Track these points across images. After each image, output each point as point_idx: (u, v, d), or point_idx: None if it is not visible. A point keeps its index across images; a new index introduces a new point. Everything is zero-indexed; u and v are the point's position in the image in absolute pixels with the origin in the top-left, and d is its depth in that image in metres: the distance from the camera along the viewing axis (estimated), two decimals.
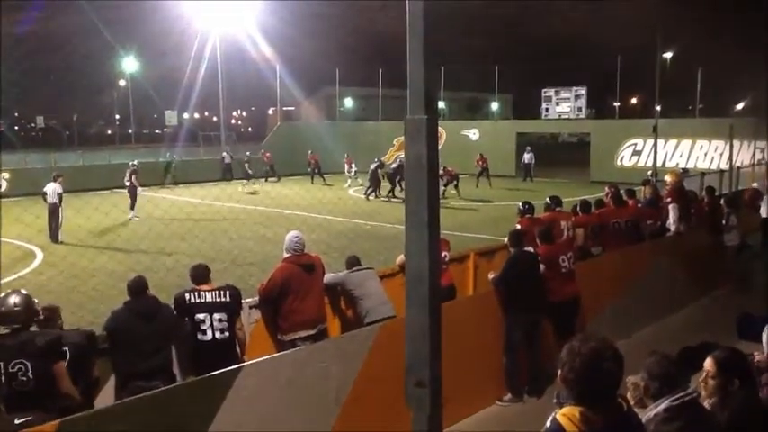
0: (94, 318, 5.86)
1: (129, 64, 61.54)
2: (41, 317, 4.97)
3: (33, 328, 4.80)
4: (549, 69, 51.40)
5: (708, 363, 3.61)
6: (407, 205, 3.98)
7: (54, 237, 16.78)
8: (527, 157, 32.76)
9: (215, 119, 75.42)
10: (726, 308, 8.97)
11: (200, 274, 5.95)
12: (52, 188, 17.15)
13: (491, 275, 7.44)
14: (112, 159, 35.20)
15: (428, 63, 4.03)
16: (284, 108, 48.32)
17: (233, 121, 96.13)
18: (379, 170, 26.48)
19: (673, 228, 10.47)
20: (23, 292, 4.78)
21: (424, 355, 3.99)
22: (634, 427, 2.81)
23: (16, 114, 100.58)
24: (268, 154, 33.76)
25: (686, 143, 29.81)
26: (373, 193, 26.14)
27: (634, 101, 71.93)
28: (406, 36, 4.11)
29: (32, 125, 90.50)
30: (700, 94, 32.99)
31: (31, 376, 4.46)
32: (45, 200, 17.09)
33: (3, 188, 26.62)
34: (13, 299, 4.61)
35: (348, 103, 61.84)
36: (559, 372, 2.71)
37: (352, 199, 26.40)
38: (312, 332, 6.39)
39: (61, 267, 13.75)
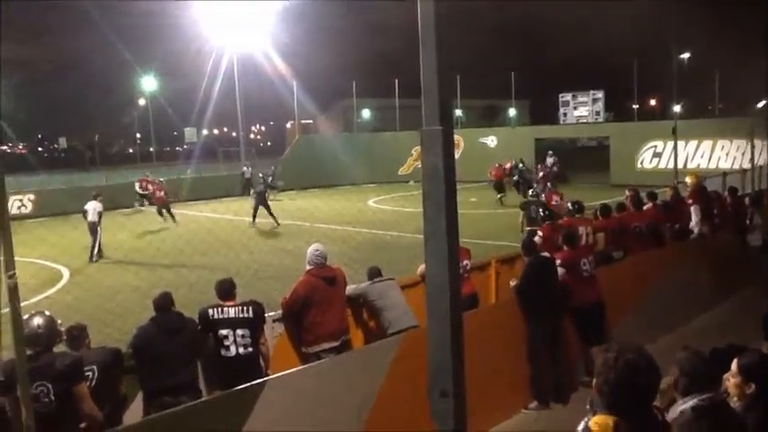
0: (121, 335, 5.94)
1: (149, 83, 62.21)
2: (65, 338, 5.04)
3: (60, 348, 4.87)
4: (565, 74, 51.34)
5: (733, 365, 3.59)
6: (426, 215, 4.01)
7: (91, 255, 16.88)
8: (550, 161, 32.63)
9: (234, 134, 76.07)
10: (752, 309, 8.84)
11: (225, 290, 6.00)
12: (92, 206, 17.32)
13: (512, 282, 7.42)
14: (134, 177, 35.58)
15: (442, 73, 4.06)
16: (302, 121, 48.56)
17: (252, 136, 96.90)
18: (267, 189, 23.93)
19: (695, 229, 10.39)
20: (47, 313, 4.84)
21: (447, 365, 4.00)
22: None
23: (39, 136, 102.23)
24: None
25: (707, 144, 29.55)
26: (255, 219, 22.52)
27: (653, 103, 71.45)
28: (419, 47, 4.14)
29: (55, 146, 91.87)
30: (719, 93, 32.71)
31: (53, 398, 4.50)
32: (85, 218, 17.27)
33: (28, 209, 26.98)
34: (37, 320, 4.66)
35: (365, 114, 62.01)
36: (594, 381, 2.69)
37: (372, 210, 26.43)
38: (336, 344, 6.42)
39: (87, 286, 13.92)
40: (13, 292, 3.71)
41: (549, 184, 25.08)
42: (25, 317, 4.51)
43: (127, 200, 28.25)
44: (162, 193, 23.28)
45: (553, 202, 14.18)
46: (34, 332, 4.59)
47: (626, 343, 2.77)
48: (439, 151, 3.86)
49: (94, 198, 17.54)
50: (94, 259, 16.82)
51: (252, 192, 22.55)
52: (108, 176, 36.58)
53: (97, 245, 17.05)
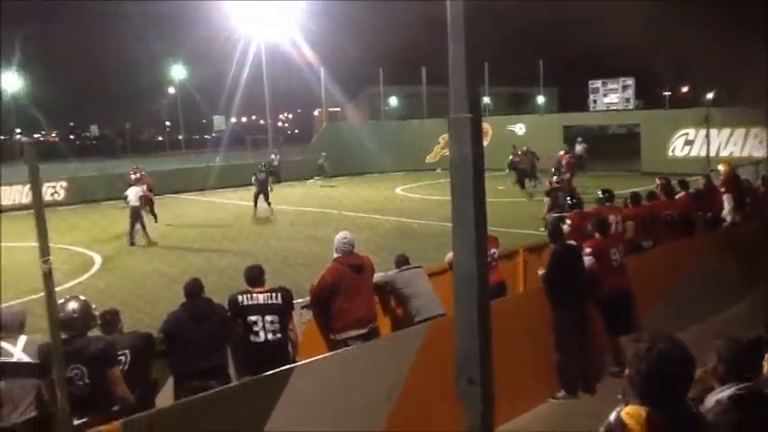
0: (152, 320, 6.03)
1: (178, 71, 62.75)
2: (98, 322, 5.14)
3: (94, 333, 4.97)
4: (594, 61, 50.63)
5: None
6: (454, 204, 4.01)
7: (131, 239, 17.07)
8: (579, 148, 32.31)
9: (261, 122, 76.49)
10: None
11: (254, 276, 6.06)
12: (134, 191, 17.58)
13: (540, 271, 7.39)
14: (164, 166, 35.97)
15: (469, 61, 4.04)
16: (329, 109, 48.63)
17: (279, 124, 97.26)
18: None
19: (728, 218, 10.25)
20: (81, 298, 4.94)
21: (474, 352, 4.01)
22: (702, 429, 2.72)
23: (71, 124, 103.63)
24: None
25: (740, 131, 29.02)
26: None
27: (684, 90, 70.38)
28: (447, 36, 4.12)
29: (87, 134, 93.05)
30: (750, 80, 32.02)
31: (87, 381, 4.60)
32: (126, 203, 17.54)
33: (60, 197, 27.40)
34: (72, 305, 4.76)
35: (393, 101, 61.97)
36: (626, 371, 2.67)
37: (399, 197, 26.43)
38: (363, 331, 6.46)
39: (119, 272, 14.16)
40: (48, 277, 3.80)
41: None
42: (60, 301, 4.61)
43: (158, 187, 28.49)
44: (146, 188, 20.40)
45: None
46: (69, 316, 4.69)
47: (658, 333, 2.73)
48: (467, 139, 3.85)
49: (136, 183, 17.78)
50: (138, 242, 17.05)
51: (254, 179, 22.38)
52: (138, 164, 36.94)
53: (138, 228, 17.24)
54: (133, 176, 21.54)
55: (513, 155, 28.06)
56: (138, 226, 17.21)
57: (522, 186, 24.96)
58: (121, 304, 6.13)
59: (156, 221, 19.09)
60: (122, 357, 4.94)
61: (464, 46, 4.01)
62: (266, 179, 22.52)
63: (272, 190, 22.83)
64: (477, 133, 3.93)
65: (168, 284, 11.36)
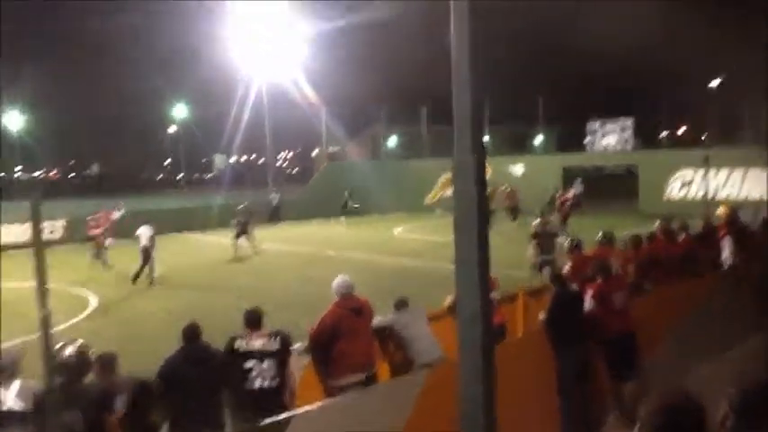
0: (149, 364, 5.92)
1: (179, 110, 63.26)
2: (95, 367, 5.07)
3: (90, 377, 4.90)
4: (593, 100, 51.18)
5: None
6: (457, 246, 3.98)
7: (135, 276, 17.03)
8: (574, 190, 32.35)
9: (262, 161, 76.87)
10: None
11: (253, 320, 6.00)
12: (144, 231, 17.53)
13: (541, 316, 7.33)
14: (164, 204, 36.02)
15: (473, 103, 4.05)
16: (330, 148, 48.88)
17: (279, 163, 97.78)
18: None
19: (728, 262, 10.21)
20: (79, 342, 4.89)
21: (478, 398, 3.95)
22: None
23: (72, 162, 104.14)
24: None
25: (738, 173, 29.12)
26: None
27: (682, 130, 70.93)
28: (451, 76, 4.14)
29: (87, 172, 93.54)
30: (749, 120, 32.34)
31: (83, 427, 4.53)
32: (138, 242, 17.44)
33: (58, 236, 27.32)
34: (69, 350, 4.71)
35: (393, 141, 62.30)
36: (636, 428, 2.62)
37: (398, 238, 26.40)
38: (362, 376, 6.38)
39: (116, 313, 14.04)
40: (45, 323, 3.75)
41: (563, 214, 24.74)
42: (58, 345, 4.55)
43: (159, 226, 28.41)
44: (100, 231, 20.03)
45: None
46: (66, 361, 4.63)
47: (671, 389, 2.69)
48: (471, 180, 3.85)
49: (146, 223, 17.80)
50: (150, 280, 17.02)
51: (234, 222, 22.26)
52: (139, 202, 37.02)
53: (147, 269, 17.19)
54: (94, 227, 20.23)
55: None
56: (147, 266, 17.18)
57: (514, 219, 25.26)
58: (118, 347, 6.05)
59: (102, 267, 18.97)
60: (119, 402, 4.87)
61: (468, 88, 4.02)
62: (246, 222, 22.34)
63: (250, 232, 22.41)
64: (481, 174, 3.92)
65: (166, 326, 11.25)
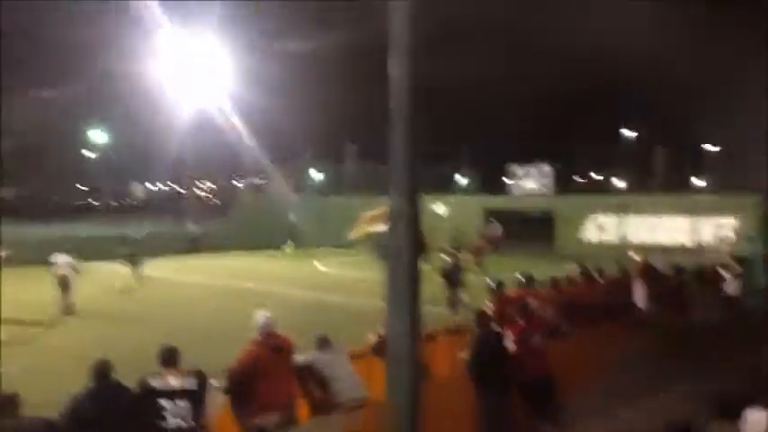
0: (55, 404, 5.55)
1: (98, 136, 61.48)
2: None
3: None
4: (514, 144, 52.64)
5: None
6: (388, 293, 3.96)
7: (65, 308, 16.37)
8: (491, 231, 32.94)
9: (182, 191, 75.37)
10: (698, 386, 8.93)
11: (169, 357, 5.73)
12: (64, 259, 16.84)
13: (462, 355, 7.34)
14: (78, 231, 34.74)
15: (410, 150, 4.06)
16: (252, 180, 48.40)
17: (201, 193, 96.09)
18: None
19: (641, 305, 10.52)
20: None
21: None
22: None
23: None
24: None
25: (652, 219, 30.27)
26: None
27: (599, 176, 73.79)
28: (389, 117, 4.13)
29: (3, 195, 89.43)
30: (661, 170, 33.87)
31: None
32: (54, 271, 16.69)
33: None
34: None
35: (317, 176, 62.29)
36: None
37: (318, 273, 26.22)
38: (282, 415, 6.21)
39: (19, 348, 13.24)
40: None
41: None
42: None
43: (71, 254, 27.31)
44: None
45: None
46: None
47: None
48: (404, 233, 3.85)
49: (65, 251, 17.14)
50: (69, 312, 16.29)
51: (123, 258, 22.26)
52: (47, 229, 35.62)
53: (69, 298, 16.53)
54: None
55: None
56: (66, 295, 16.47)
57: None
58: (19, 385, 5.67)
59: None
60: None
61: (404, 133, 4.03)
62: (134, 253, 22.33)
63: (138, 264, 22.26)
64: (414, 226, 3.94)
65: (74, 362, 10.70)
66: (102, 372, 5.35)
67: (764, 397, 5.30)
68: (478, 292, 14.55)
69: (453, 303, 14.43)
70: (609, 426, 8.03)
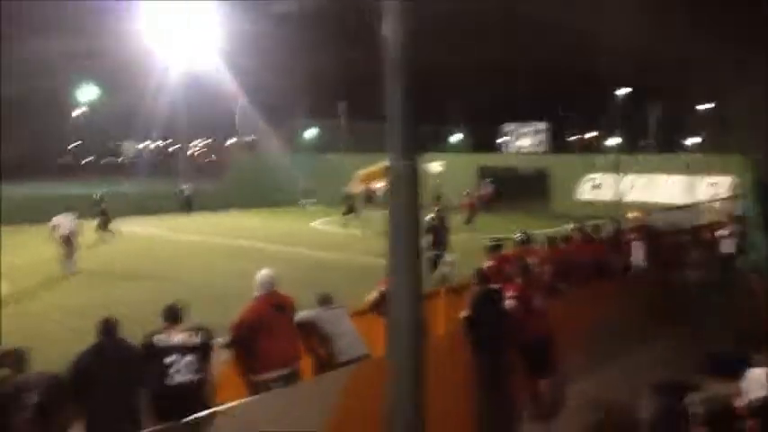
0: (61, 359, 5.59)
1: (87, 92, 60.79)
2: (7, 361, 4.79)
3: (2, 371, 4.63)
4: (507, 102, 52.27)
5: None
6: (391, 250, 3.96)
7: (68, 267, 16.50)
8: (484, 190, 32.97)
9: (174, 149, 74.96)
10: (691, 345, 9.07)
11: (172, 315, 5.78)
12: (65, 219, 16.87)
13: (463, 314, 7.39)
14: (70, 190, 34.54)
15: (407, 107, 4.02)
16: (246, 138, 48.14)
17: (192, 152, 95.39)
18: None
19: (638, 264, 10.60)
20: None
21: (408, 397, 3.96)
22: None
23: None
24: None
25: (645, 178, 30.35)
26: None
27: (590, 135, 73.62)
28: (385, 72, 4.07)
29: None
30: (656, 129, 33.83)
31: None
32: (54, 231, 16.72)
33: None
34: None
35: (310, 134, 61.90)
36: None
37: (316, 231, 26.25)
38: (285, 372, 6.28)
39: (25, 304, 13.31)
40: None
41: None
42: None
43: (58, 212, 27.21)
44: None
45: None
46: None
47: None
48: (406, 187, 3.84)
49: (66, 210, 17.17)
50: (73, 271, 16.37)
51: (97, 212, 22.42)
52: (38, 187, 35.43)
53: (73, 257, 16.61)
54: None
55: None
56: (69, 254, 16.56)
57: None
58: (27, 340, 5.70)
59: None
60: (30, 399, 4.58)
61: (402, 91, 3.99)
62: (104, 210, 22.55)
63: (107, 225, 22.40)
64: (415, 182, 3.92)
65: (79, 320, 10.77)
66: (108, 328, 5.38)
67: (760, 355, 5.39)
68: (467, 250, 14.67)
69: (434, 262, 14.02)
70: (600, 382, 8.18)
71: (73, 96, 67.57)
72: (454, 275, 12.75)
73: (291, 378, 6.27)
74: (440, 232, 14.39)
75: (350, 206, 26.43)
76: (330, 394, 5.57)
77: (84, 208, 23.69)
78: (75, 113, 73.24)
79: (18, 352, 5.02)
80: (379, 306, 7.38)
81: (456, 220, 21.28)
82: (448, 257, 14.36)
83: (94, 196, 24.00)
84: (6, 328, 9.46)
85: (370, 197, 27.88)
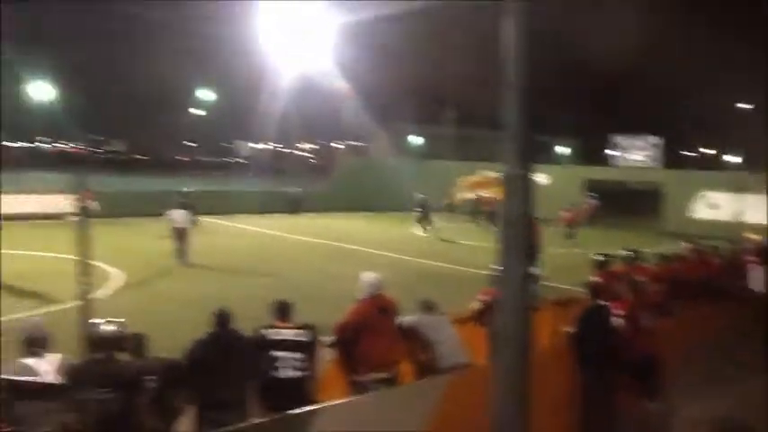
0: (175, 346, 5.88)
1: (205, 94, 63.42)
2: (130, 346, 5.08)
3: (123, 356, 4.91)
4: (619, 115, 50.72)
5: None
6: (503, 262, 3.95)
7: (182, 257, 17.36)
8: (587, 204, 32.01)
9: (286, 150, 77.08)
10: None
11: (282, 311, 6.00)
12: (180, 213, 17.75)
13: (568, 329, 7.26)
14: (185, 186, 36.09)
15: (526, 115, 3.99)
16: (353, 143, 48.87)
17: (303, 153, 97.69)
18: None
19: (756, 289, 10.08)
20: (117, 320, 4.87)
21: (513, 411, 3.93)
22: None
23: (91, 136, 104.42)
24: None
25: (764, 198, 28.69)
26: None
27: (710, 151, 70.43)
28: (503, 81, 4.06)
29: (109, 148, 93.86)
30: None
31: (114, 405, 4.52)
32: (172, 224, 17.61)
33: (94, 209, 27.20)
34: (106, 327, 4.71)
35: (418, 140, 62.09)
36: None
37: (418, 238, 26.28)
38: (386, 375, 6.37)
39: (144, 292, 14.04)
40: (86, 298, 3.77)
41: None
42: (95, 321, 4.56)
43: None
44: None
45: None
46: (103, 337, 4.63)
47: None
48: (520, 197, 3.82)
49: (182, 205, 18.09)
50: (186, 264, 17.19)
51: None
52: (162, 183, 37.18)
53: (186, 250, 17.45)
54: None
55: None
56: (183, 248, 17.41)
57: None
58: (144, 327, 6.02)
59: None
60: (149, 383, 4.86)
61: (520, 94, 3.97)
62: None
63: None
64: (529, 191, 3.90)
65: (193, 311, 11.22)
66: (223, 319, 5.64)
67: None
68: (563, 265, 14.28)
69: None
70: (711, 408, 7.81)
71: (193, 97, 70.64)
72: (537, 291, 12.43)
73: (393, 381, 6.36)
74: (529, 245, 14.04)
75: (423, 215, 26.75)
76: (430, 400, 5.60)
77: (196, 203, 24.87)
78: (193, 113, 76.51)
79: (137, 337, 5.32)
80: (482, 316, 7.37)
81: (553, 233, 20.95)
82: (534, 271, 14.02)
83: (183, 190, 24.31)
84: (123, 315, 10.00)
85: (478, 207, 27.82)
